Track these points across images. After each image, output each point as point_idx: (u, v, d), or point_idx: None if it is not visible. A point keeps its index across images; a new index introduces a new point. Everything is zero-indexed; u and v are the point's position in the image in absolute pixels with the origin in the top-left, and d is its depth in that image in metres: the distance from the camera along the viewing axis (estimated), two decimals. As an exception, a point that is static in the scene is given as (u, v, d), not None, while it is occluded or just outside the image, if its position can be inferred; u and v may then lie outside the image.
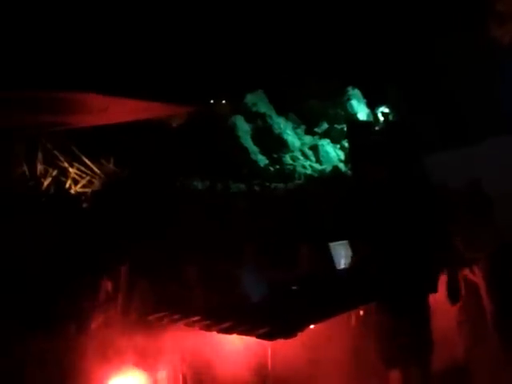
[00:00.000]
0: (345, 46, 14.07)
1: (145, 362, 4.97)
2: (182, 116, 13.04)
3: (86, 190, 10.22)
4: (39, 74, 7.85)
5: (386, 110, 13.48)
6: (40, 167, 10.39)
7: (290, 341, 4.17)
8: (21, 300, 5.42)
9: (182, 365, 4.59)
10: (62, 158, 10.59)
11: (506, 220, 6.19)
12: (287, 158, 13.00)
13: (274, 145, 13.29)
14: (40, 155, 10.44)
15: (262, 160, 12.81)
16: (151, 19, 10.83)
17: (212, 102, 12.28)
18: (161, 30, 10.81)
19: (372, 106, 14.04)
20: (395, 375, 4.10)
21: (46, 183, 10.11)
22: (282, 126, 13.81)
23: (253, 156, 12.74)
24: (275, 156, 13.06)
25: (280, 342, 4.08)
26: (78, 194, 10.01)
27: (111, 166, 10.73)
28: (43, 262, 5.93)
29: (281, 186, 11.75)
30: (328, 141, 13.26)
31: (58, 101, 7.86)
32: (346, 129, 12.49)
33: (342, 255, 5.99)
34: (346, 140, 12.56)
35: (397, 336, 4.04)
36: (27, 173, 10.12)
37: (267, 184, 11.74)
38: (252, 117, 13.64)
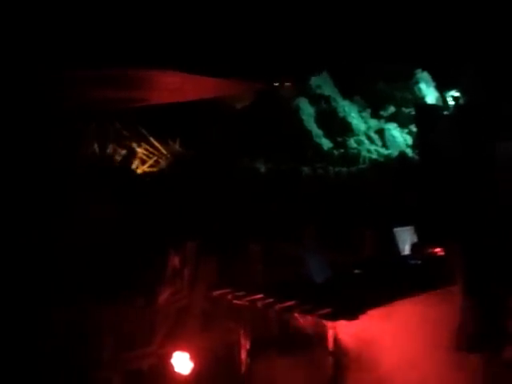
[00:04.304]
0: (414, 26, 13.64)
1: (209, 335, 5.12)
2: (247, 98, 13.09)
3: (153, 169, 10.51)
4: (119, 52, 7.94)
5: (457, 94, 13.01)
6: (110, 147, 10.76)
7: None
8: (95, 273, 5.68)
9: (246, 339, 4.69)
10: (130, 139, 10.93)
11: None
12: (351, 142, 12.82)
13: (339, 128, 13.13)
14: (110, 135, 10.81)
15: (326, 143, 12.70)
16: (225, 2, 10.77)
17: (277, 82, 12.04)
18: (233, 13, 10.66)
19: (442, 90, 13.60)
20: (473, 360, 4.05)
21: (115, 162, 10.47)
22: (346, 109, 13.60)
23: (316, 139, 12.65)
24: (339, 139, 12.90)
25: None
26: (145, 173, 10.31)
27: (177, 146, 10.96)
28: (115, 237, 6.17)
29: (344, 169, 11.64)
30: (395, 125, 12.98)
31: (136, 78, 8.18)
32: (413, 112, 12.15)
33: (406, 241, 5.90)
34: (413, 124, 12.25)
35: (477, 322, 3.97)
36: (98, 152, 10.50)
37: (331, 167, 11.65)
38: (316, 99, 13.51)
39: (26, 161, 7.94)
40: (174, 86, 8.90)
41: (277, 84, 12.94)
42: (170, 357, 4.89)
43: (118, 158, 10.61)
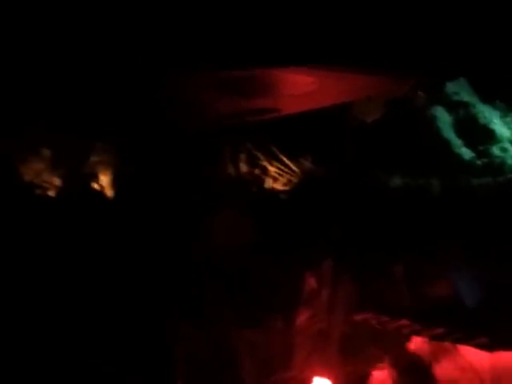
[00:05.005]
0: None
1: (350, 361, 4.87)
2: (378, 111, 12.71)
3: (286, 187, 10.51)
4: (241, 49, 6.03)
5: None
6: (243, 167, 10.97)
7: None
8: (232, 295, 5.70)
9: (392, 368, 4.38)
10: (262, 158, 11.05)
11: None
12: (495, 150, 11.90)
13: (480, 136, 12.27)
14: (243, 156, 11.03)
15: (467, 153, 11.93)
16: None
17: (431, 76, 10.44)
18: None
19: None
20: None
21: (248, 182, 10.65)
22: (487, 115, 12.68)
23: (456, 149, 11.91)
24: (481, 148, 12.04)
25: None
26: (278, 191, 10.34)
27: (309, 163, 10.87)
28: (251, 257, 6.16)
29: (489, 180, 10.82)
30: (544, 129, 11.86)
31: (265, 81, 6.59)
32: None
33: None
34: None
35: None
36: (232, 173, 10.75)
37: (474, 179, 10.87)
38: (454, 107, 12.77)
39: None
40: (310, 88, 7.18)
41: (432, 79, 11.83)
42: (310, 382, 4.72)
43: (252, 177, 10.77)
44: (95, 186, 8.92)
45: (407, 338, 4.21)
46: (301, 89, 7.14)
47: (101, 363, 5.27)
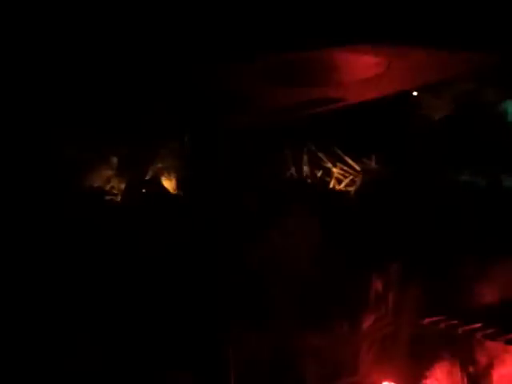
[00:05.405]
0: None
1: (418, 366, 4.72)
2: (445, 107, 12.29)
3: (349, 188, 10.34)
4: (295, 29, 4.86)
5: None
6: (306, 169, 10.88)
7: None
8: (298, 298, 5.66)
9: (463, 374, 4.20)
10: (325, 159, 10.92)
11: None
12: None
13: (556, 131, 11.63)
14: (305, 157, 10.95)
15: (542, 149, 11.32)
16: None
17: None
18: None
19: None
20: None
21: (311, 184, 10.54)
22: None
23: (529, 145, 11.34)
24: (557, 144, 11.41)
25: None
26: (341, 192, 10.20)
27: (373, 163, 10.66)
28: (317, 260, 6.09)
29: None
30: None
31: (324, 66, 5.61)
32: None
33: None
34: None
35: None
36: (294, 174, 10.69)
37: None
38: (526, 101, 12.16)
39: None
40: (374, 72, 6.02)
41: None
42: (377, 387, 4.60)
43: (314, 179, 10.67)
44: (160, 190, 9.14)
45: (478, 342, 4.01)
46: (364, 73, 6.14)
47: (158, 366, 5.35)
